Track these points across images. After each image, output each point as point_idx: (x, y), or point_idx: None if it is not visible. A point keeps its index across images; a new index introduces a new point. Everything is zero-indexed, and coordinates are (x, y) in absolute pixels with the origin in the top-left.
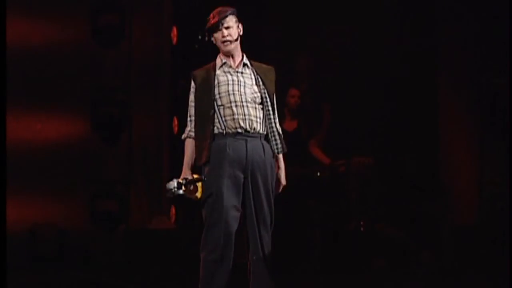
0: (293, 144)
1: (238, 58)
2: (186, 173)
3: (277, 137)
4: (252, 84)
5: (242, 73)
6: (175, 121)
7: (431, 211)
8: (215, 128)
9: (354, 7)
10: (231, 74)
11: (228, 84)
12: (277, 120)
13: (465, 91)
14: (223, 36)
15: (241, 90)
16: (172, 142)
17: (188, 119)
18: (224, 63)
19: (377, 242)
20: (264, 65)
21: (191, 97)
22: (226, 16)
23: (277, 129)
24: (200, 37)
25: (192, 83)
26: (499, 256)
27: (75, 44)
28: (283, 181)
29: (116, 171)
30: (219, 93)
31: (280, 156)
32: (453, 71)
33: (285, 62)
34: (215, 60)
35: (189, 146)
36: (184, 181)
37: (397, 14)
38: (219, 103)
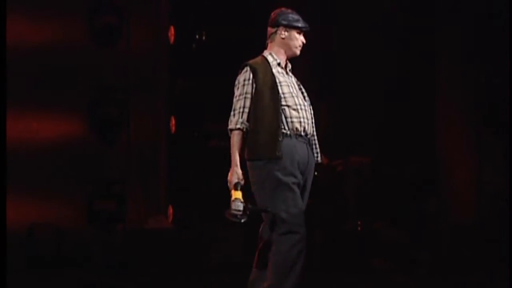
0: None
1: (288, 63)
2: (239, 172)
3: (317, 145)
4: (300, 89)
5: (291, 77)
6: (173, 121)
7: (430, 210)
8: (284, 127)
9: (353, 6)
10: (285, 76)
11: (288, 85)
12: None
13: (463, 90)
14: (303, 42)
15: (299, 94)
16: (170, 141)
17: (240, 110)
18: (279, 63)
19: (374, 242)
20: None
21: (248, 88)
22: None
23: (316, 136)
24: (197, 36)
25: (250, 75)
26: (498, 255)
27: (73, 44)
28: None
29: (114, 170)
30: (283, 93)
31: None
32: (451, 71)
33: None
34: (261, 55)
35: (240, 139)
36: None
37: (396, 15)
38: (284, 103)
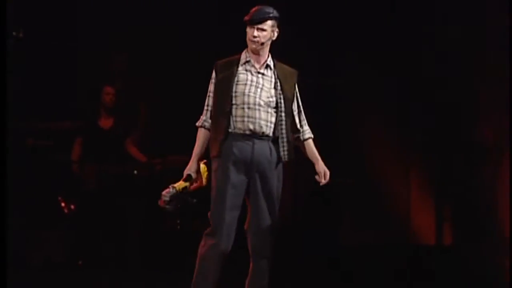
0: (110, 142)
1: (263, 58)
2: (193, 165)
3: (285, 144)
4: (270, 88)
5: (263, 74)
6: None
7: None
8: (229, 126)
9: (174, 7)
10: (252, 74)
11: (246, 84)
12: (304, 123)
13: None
14: (253, 36)
15: (257, 93)
16: None
17: (205, 108)
18: (248, 61)
19: (194, 241)
20: (288, 68)
21: (211, 87)
22: (264, 19)
23: (287, 136)
24: (14, 33)
25: (213, 74)
26: (316, 252)
27: None
28: (325, 169)
29: None
30: (235, 92)
31: (312, 147)
32: None
33: (101, 59)
34: (241, 52)
35: (202, 136)
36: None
37: (218, 17)
38: (234, 102)
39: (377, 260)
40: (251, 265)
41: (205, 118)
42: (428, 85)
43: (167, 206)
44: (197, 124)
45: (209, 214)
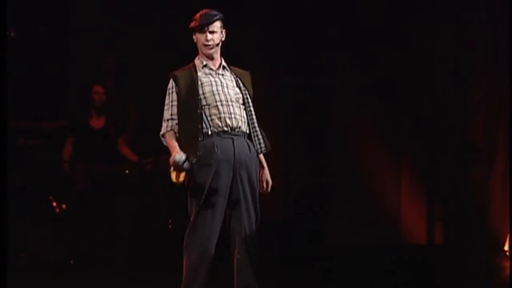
0: (101, 142)
1: (217, 61)
2: (180, 152)
3: (260, 136)
4: (233, 86)
5: (222, 75)
6: None
7: None
8: (203, 128)
9: (166, 8)
10: (212, 76)
11: (211, 85)
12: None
13: (268, 90)
14: (206, 40)
15: (225, 91)
16: None
17: (169, 117)
18: (205, 65)
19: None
20: (239, 69)
21: (173, 96)
22: (213, 21)
23: (259, 128)
24: (6, 32)
25: (173, 84)
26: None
27: None
28: (270, 179)
29: None
30: (203, 93)
31: (262, 155)
32: (255, 72)
33: (93, 59)
34: (193, 61)
35: (173, 137)
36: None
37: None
38: (204, 103)
39: (368, 259)
40: (235, 262)
41: (171, 125)
42: (419, 84)
43: (184, 166)
44: (164, 131)
45: (192, 216)
